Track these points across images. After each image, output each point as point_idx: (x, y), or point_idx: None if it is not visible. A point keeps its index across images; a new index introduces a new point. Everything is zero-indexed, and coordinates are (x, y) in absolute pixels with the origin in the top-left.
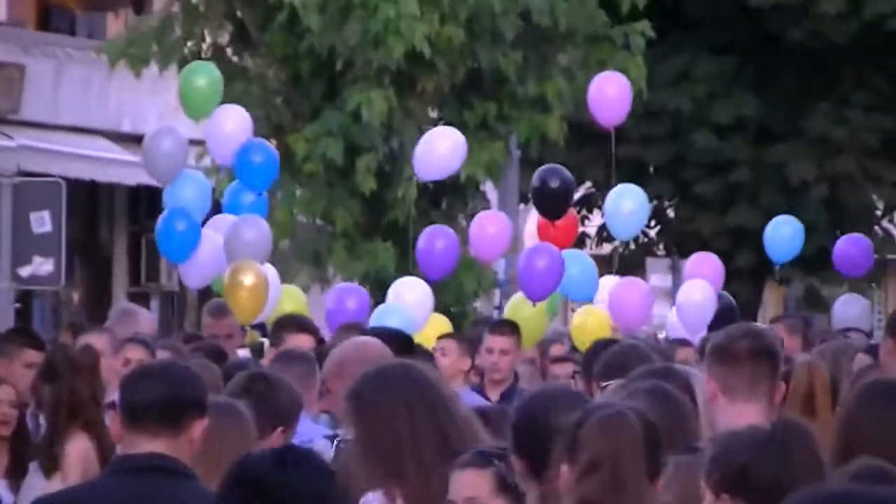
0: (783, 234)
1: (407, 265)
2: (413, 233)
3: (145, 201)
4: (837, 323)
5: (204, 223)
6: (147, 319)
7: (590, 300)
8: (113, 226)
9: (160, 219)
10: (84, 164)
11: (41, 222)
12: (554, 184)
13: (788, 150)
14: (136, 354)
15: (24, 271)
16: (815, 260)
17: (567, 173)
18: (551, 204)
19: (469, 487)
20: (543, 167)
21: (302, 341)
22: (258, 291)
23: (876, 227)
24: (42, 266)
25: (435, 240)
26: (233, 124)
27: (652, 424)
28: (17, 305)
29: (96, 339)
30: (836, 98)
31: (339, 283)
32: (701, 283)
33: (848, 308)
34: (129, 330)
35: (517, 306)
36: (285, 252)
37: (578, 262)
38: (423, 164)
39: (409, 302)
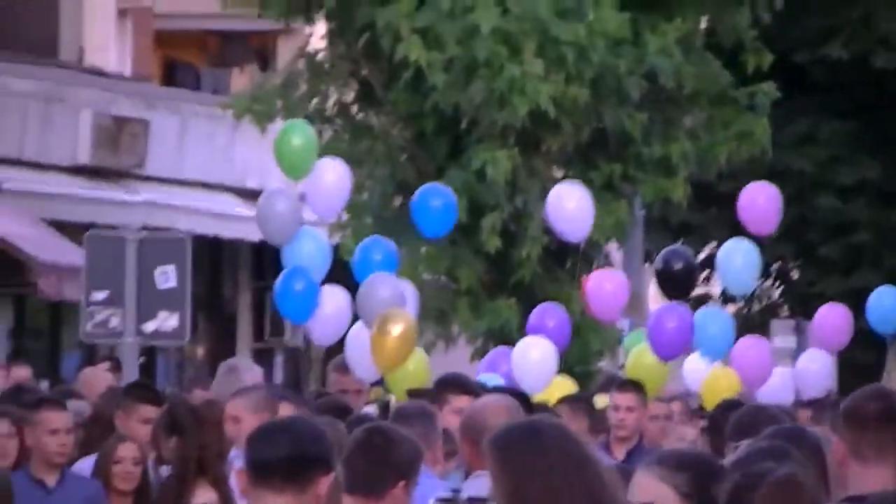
0: (885, 305)
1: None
2: (539, 292)
3: (269, 257)
4: None
5: (326, 281)
6: (253, 375)
7: (721, 358)
8: (237, 281)
9: (279, 278)
10: (208, 219)
11: (166, 278)
12: (677, 265)
13: None
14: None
15: (149, 327)
16: None
17: (689, 255)
18: (676, 284)
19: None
20: (667, 249)
21: (464, 402)
22: (406, 341)
23: None
24: (167, 321)
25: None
26: (333, 176)
27: (816, 486)
28: (142, 360)
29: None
30: None
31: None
32: (820, 353)
33: None
34: (233, 387)
35: (638, 357)
36: None
37: (715, 319)
38: (557, 222)
39: (534, 360)
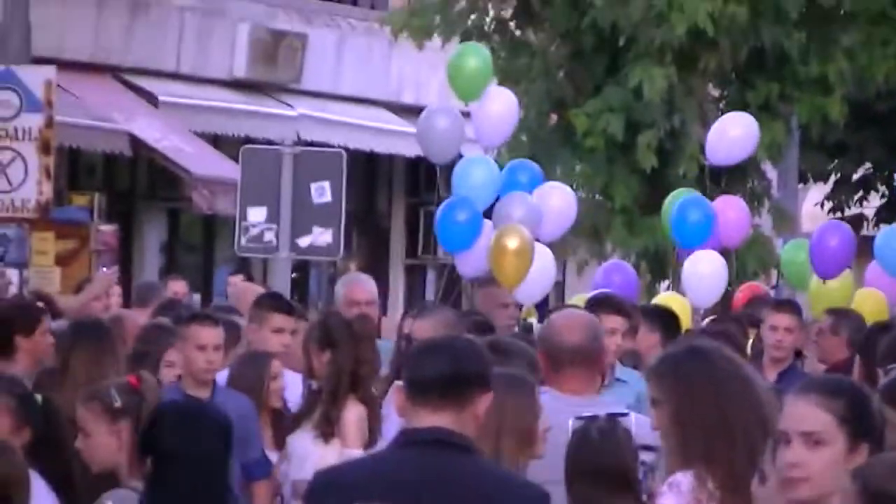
0: None
1: None
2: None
3: (424, 173)
4: None
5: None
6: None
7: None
8: (391, 197)
9: (441, 207)
10: (364, 134)
11: (321, 192)
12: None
13: None
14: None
15: (303, 241)
16: None
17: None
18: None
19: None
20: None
21: (617, 323)
22: (523, 255)
23: None
24: (321, 236)
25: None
26: (500, 106)
27: None
28: (294, 275)
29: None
30: None
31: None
32: None
33: None
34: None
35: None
36: None
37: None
38: (716, 148)
39: (706, 274)
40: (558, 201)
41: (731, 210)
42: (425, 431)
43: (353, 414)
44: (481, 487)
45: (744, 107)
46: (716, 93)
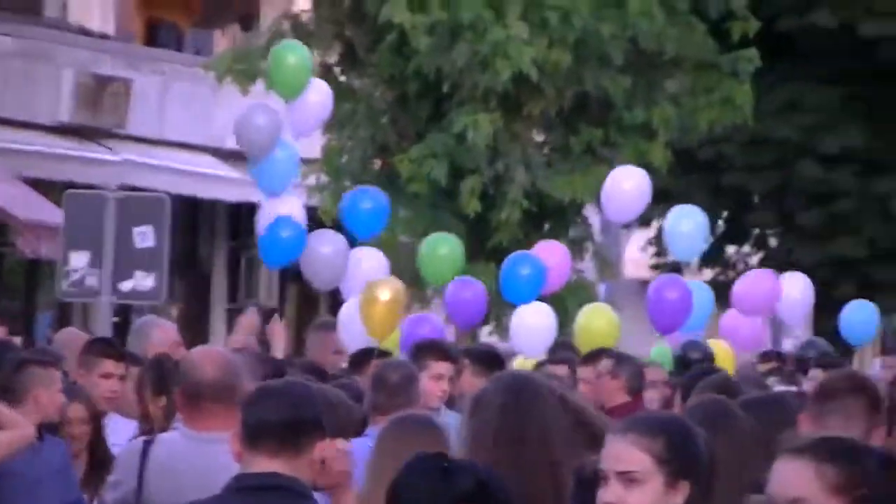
0: (858, 319)
1: None
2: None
3: (246, 218)
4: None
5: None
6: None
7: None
8: (213, 242)
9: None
10: (187, 179)
11: (144, 237)
12: (694, 356)
13: (894, 181)
14: None
15: (125, 286)
16: None
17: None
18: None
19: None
20: (686, 340)
21: (444, 368)
22: (394, 307)
23: None
24: (143, 281)
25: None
26: (316, 96)
27: None
28: (116, 320)
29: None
30: None
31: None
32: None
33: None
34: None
35: (591, 316)
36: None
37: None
38: (610, 203)
39: (532, 325)
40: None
41: (552, 256)
42: (262, 477)
43: None
44: None
45: (567, 151)
46: (540, 138)
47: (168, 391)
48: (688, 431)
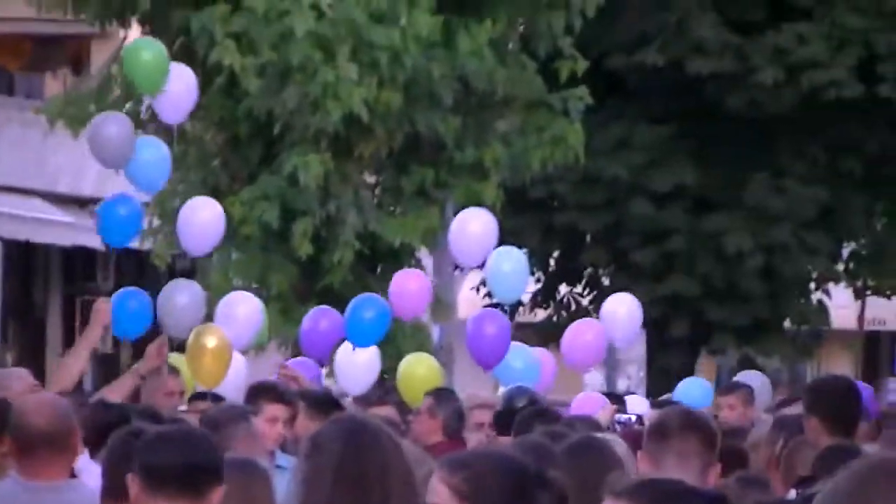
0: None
1: None
2: (349, 297)
3: (80, 262)
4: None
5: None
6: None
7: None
8: (48, 287)
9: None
10: (20, 224)
11: None
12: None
13: (725, 219)
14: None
15: None
16: (749, 329)
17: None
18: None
19: None
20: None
21: (278, 411)
22: (222, 355)
23: (812, 298)
24: None
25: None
26: (181, 85)
27: None
28: None
29: None
30: (774, 168)
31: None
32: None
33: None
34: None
35: (412, 365)
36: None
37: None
38: (458, 248)
39: (359, 363)
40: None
41: (412, 282)
42: None
43: None
44: None
45: (398, 192)
46: (371, 179)
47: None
48: (494, 467)
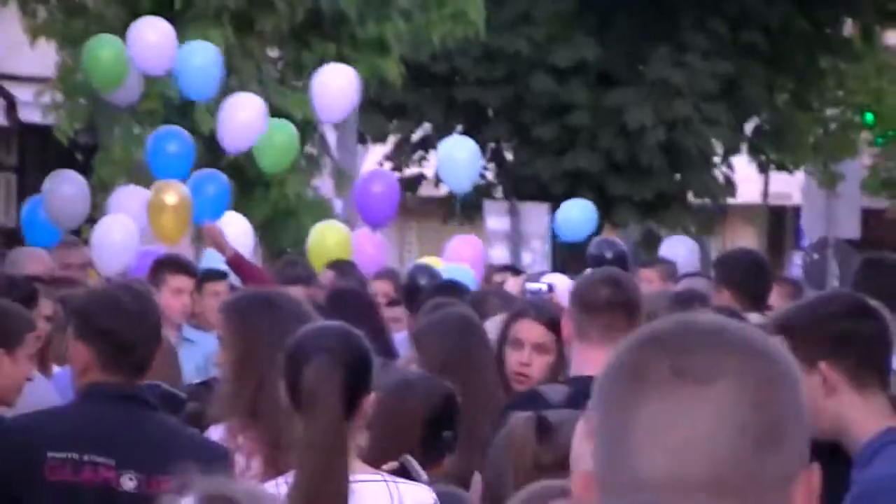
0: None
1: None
2: (249, 172)
3: None
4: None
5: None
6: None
7: None
8: None
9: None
10: None
11: None
12: (609, 254)
13: (627, 94)
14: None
15: None
16: (652, 203)
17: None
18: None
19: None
20: (599, 239)
21: (182, 283)
22: (182, 211)
23: (715, 172)
24: None
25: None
26: (155, 36)
27: None
28: None
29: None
30: (675, 42)
31: None
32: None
33: (675, 250)
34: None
35: (321, 233)
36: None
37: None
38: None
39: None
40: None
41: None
42: (111, 387)
43: None
44: (168, 440)
45: (300, 67)
46: (274, 54)
47: None
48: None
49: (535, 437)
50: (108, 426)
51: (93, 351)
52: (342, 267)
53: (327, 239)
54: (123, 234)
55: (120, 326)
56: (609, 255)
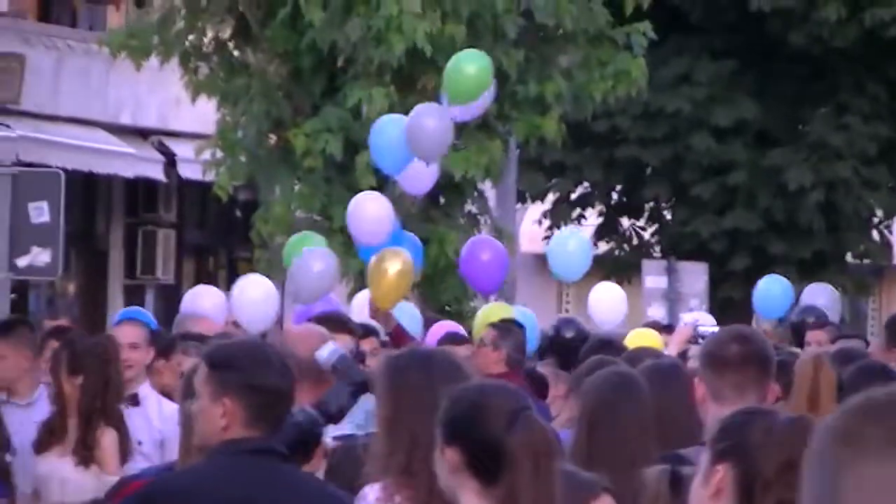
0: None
1: None
2: (414, 231)
3: (143, 194)
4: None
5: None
6: None
7: None
8: (110, 218)
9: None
10: (82, 155)
11: (40, 213)
12: (568, 334)
13: (786, 154)
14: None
15: (22, 261)
16: (809, 263)
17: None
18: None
19: None
20: (560, 318)
21: (344, 341)
22: (404, 278)
23: (874, 233)
24: (39, 256)
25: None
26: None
27: None
28: (14, 296)
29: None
30: (835, 104)
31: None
32: None
33: (815, 297)
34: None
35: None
36: (283, 248)
37: None
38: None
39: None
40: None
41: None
42: (246, 442)
43: (109, 439)
44: (302, 492)
45: (461, 126)
46: None
47: (83, 370)
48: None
49: (668, 490)
50: (246, 482)
51: (241, 405)
52: (505, 326)
53: (492, 318)
54: (264, 292)
55: (269, 380)
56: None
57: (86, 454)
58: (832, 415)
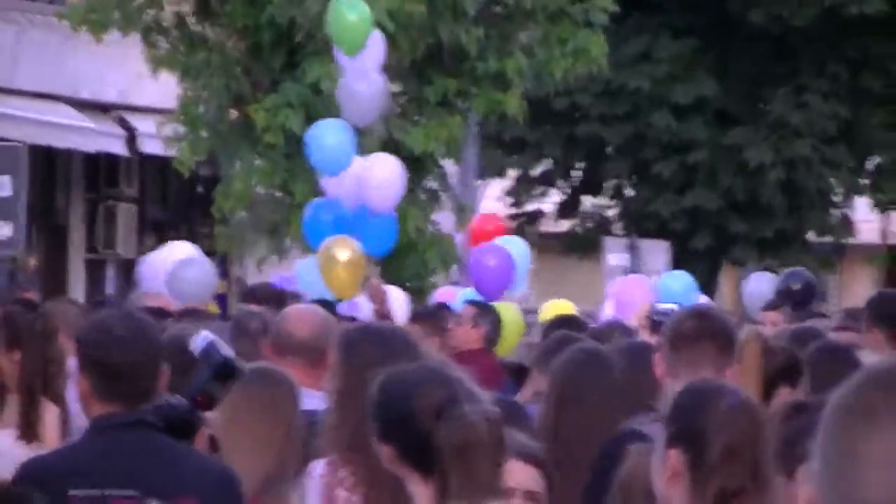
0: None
1: None
2: None
3: (104, 169)
4: (747, 299)
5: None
6: None
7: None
8: (70, 192)
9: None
10: (42, 129)
11: (2, 187)
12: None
13: (747, 133)
14: None
15: None
16: (770, 241)
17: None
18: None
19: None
20: (788, 271)
21: None
22: (354, 267)
23: (833, 211)
24: (1, 230)
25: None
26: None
27: None
28: None
29: None
30: (795, 83)
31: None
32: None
33: (759, 286)
34: None
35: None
36: (243, 223)
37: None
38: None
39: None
40: None
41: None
42: (113, 417)
43: (51, 416)
44: (179, 461)
45: (421, 102)
46: (395, 88)
47: (21, 346)
48: None
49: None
50: (122, 457)
51: (90, 382)
52: (483, 306)
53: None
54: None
55: (109, 355)
56: (797, 286)
57: (28, 431)
58: (837, 392)
